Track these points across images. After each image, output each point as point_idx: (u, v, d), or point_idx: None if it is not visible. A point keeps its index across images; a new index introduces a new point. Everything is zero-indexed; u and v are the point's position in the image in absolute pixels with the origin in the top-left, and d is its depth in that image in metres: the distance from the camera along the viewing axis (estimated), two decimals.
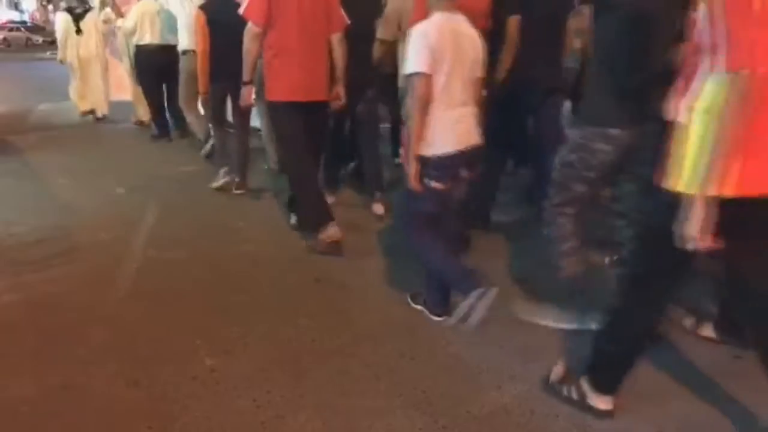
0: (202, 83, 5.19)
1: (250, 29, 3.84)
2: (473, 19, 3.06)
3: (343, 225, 4.14)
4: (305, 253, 4.06)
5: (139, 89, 7.72)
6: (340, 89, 4.15)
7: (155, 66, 7.04)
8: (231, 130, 5.37)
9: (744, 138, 1.83)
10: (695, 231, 1.90)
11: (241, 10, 3.85)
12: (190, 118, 6.66)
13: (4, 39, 31.84)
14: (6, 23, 36.26)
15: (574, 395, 2.49)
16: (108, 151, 7.01)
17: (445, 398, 2.54)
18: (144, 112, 8.03)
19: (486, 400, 2.53)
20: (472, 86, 2.99)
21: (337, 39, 4.02)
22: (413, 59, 2.84)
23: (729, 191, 1.87)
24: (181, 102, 6.59)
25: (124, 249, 4.18)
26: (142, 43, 7.05)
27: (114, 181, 5.70)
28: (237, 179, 5.31)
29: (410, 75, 2.87)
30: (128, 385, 2.65)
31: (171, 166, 6.33)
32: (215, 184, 5.38)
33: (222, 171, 5.41)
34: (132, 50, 7.40)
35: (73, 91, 8.74)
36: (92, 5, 8.68)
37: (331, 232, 3.97)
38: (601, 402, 2.44)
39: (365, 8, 4.50)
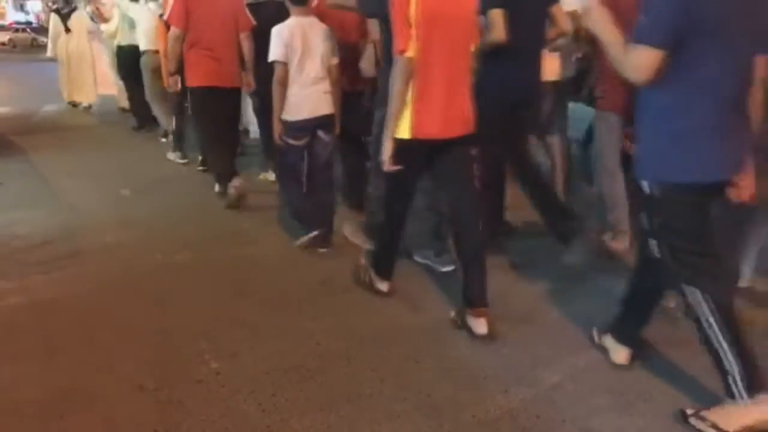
0: (166, 80, 5.64)
1: (173, 32, 4.79)
2: (344, 29, 4.18)
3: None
4: (311, 256, 4.05)
5: (121, 83, 8.48)
6: (250, 78, 4.95)
7: (134, 64, 7.41)
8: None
9: (411, 99, 2.87)
10: (387, 158, 2.94)
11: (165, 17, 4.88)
12: (155, 111, 7.33)
13: (10, 40, 31.94)
14: (12, 24, 36.40)
15: (367, 280, 3.47)
16: (113, 152, 7.03)
17: (450, 402, 2.53)
18: (125, 102, 8.81)
19: (491, 405, 2.52)
20: (326, 70, 3.94)
21: (244, 36, 4.84)
22: (272, 51, 3.83)
23: (405, 135, 2.91)
24: (147, 97, 7.26)
25: (129, 251, 4.19)
26: (122, 44, 7.76)
27: (119, 183, 5.71)
28: (201, 158, 6.08)
29: (271, 62, 3.84)
30: (133, 388, 2.65)
31: (176, 168, 6.35)
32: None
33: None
34: (114, 50, 8.16)
35: (62, 84, 9.71)
36: (78, 5, 9.53)
37: (236, 183, 4.92)
38: (382, 285, 3.44)
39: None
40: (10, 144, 7.69)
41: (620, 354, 2.79)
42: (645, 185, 2.41)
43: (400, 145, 2.93)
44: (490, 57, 3.41)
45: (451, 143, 3.01)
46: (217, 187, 5.19)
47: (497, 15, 3.40)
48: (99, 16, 8.38)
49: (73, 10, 9.39)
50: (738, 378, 2.27)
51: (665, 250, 2.43)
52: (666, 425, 2.40)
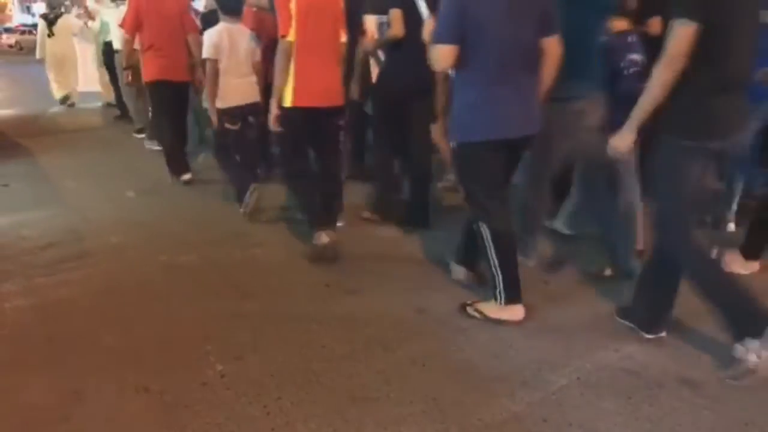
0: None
1: (124, 35, 5.74)
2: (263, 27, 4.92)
3: (352, 230, 4.16)
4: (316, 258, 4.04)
5: (107, 77, 9.13)
6: (199, 73, 5.36)
7: (112, 61, 8.11)
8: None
9: (292, 75, 3.66)
10: (274, 124, 3.80)
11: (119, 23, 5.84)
12: (129, 105, 8.12)
13: (17, 42, 32.02)
14: (18, 27, 36.51)
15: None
16: (118, 154, 7.03)
17: (456, 406, 2.52)
18: (110, 97, 9.60)
19: (498, 408, 2.50)
20: (251, 66, 4.72)
21: (191, 37, 5.53)
22: (204, 50, 4.63)
23: (292, 103, 3.71)
24: (123, 94, 8.13)
25: (134, 253, 4.19)
26: (106, 40, 8.27)
27: (124, 185, 5.71)
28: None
29: (204, 59, 4.64)
30: (138, 391, 2.64)
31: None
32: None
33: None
34: (101, 47, 8.71)
35: (51, 83, 10.45)
36: (63, 11, 10.40)
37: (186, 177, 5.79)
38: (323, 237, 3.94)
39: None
40: (16, 146, 7.72)
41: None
42: (452, 144, 3.12)
43: (285, 112, 3.78)
44: (392, 50, 4.26)
45: (323, 112, 3.83)
46: (171, 179, 5.89)
47: (396, 14, 4.04)
48: (87, 15, 9.18)
49: (59, 15, 10.21)
50: (501, 287, 3.13)
51: (467, 194, 3.18)
52: (674, 429, 2.38)
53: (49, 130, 8.82)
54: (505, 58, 2.90)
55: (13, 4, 50.32)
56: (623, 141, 2.79)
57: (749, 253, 3.70)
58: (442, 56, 2.92)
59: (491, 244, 3.09)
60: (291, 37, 3.63)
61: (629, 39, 2.95)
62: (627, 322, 3.07)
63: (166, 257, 4.09)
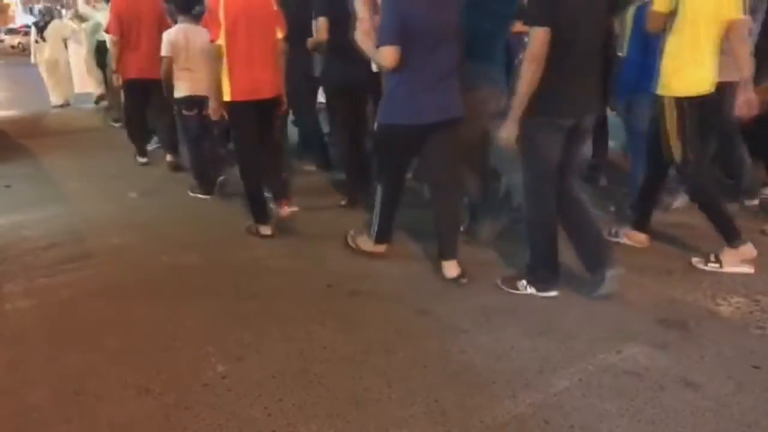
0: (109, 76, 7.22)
1: (110, 37, 6.26)
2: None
3: (354, 227, 4.15)
4: (317, 259, 4.04)
5: (99, 73, 9.42)
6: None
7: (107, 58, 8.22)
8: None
9: (227, 73, 4.06)
10: (214, 112, 4.32)
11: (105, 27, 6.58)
12: (117, 102, 8.28)
13: (19, 43, 32.06)
14: (21, 27, 36.56)
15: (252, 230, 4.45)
16: (120, 154, 7.01)
17: (457, 407, 2.51)
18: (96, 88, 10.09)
19: (499, 410, 2.49)
20: (204, 62, 4.69)
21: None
22: (162, 48, 5.17)
23: (230, 98, 4.12)
24: (112, 92, 8.43)
25: (136, 254, 4.20)
26: (100, 40, 8.50)
27: (126, 186, 5.72)
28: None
29: (162, 57, 5.19)
30: (140, 392, 2.64)
31: (183, 172, 6.34)
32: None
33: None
34: (94, 44, 8.99)
35: (48, 89, 10.80)
36: (54, 17, 11.02)
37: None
38: (264, 229, 4.40)
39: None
40: (18, 146, 7.74)
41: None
42: (376, 125, 3.70)
43: (227, 105, 4.20)
44: (328, 52, 4.83)
45: (260, 104, 4.22)
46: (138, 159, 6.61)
47: (322, 22, 4.67)
48: (78, 18, 9.64)
49: (48, 22, 10.81)
50: (375, 228, 3.87)
51: (378, 162, 3.92)
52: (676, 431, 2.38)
53: (51, 131, 8.84)
54: (429, 49, 3.37)
55: (16, 5, 50.41)
56: (507, 131, 3.19)
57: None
58: (387, 56, 3.33)
59: (380, 200, 3.81)
60: (221, 41, 4.03)
61: (525, 39, 3.20)
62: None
63: (167, 258, 4.09)
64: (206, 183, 5.41)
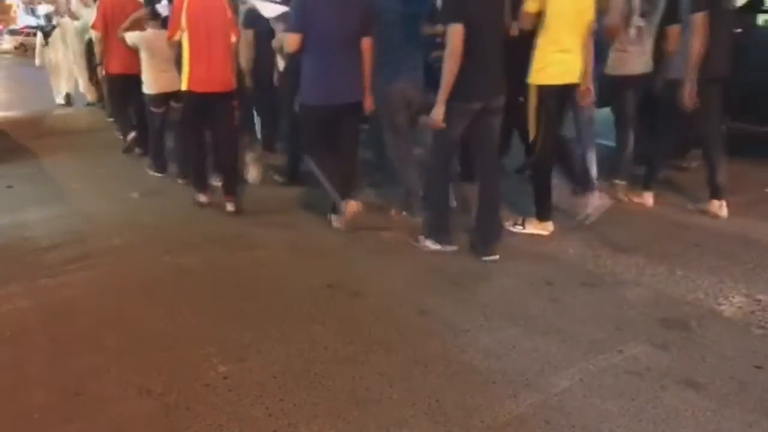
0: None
1: (95, 34, 7.08)
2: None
3: (355, 232, 4.20)
4: (318, 259, 4.05)
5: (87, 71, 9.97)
6: None
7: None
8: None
9: (187, 66, 4.64)
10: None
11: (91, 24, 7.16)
12: (105, 92, 8.63)
13: (21, 44, 32.10)
14: (23, 29, 36.61)
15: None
16: (122, 155, 7.03)
17: (458, 407, 2.51)
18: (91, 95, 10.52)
19: (500, 410, 2.49)
20: (171, 62, 5.17)
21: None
22: (133, 41, 5.78)
23: (187, 88, 4.71)
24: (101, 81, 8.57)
25: (137, 254, 4.20)
26: (88, 38, 9.00)
27: (128, 186, 5.72)
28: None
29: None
30: (141, 392, 2.64)
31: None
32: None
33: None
34: (84, 43, 9.58)
35: (54, 87, 11.36)
36: (56, 23, 11.24)
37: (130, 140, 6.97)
38: (201, 197, 5.13)
39: None
40: (19, 147, 7.75)
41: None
42: (296, 106, 4.52)
43: (185, 95, 4.82)
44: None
45: (215, 96, 4.78)
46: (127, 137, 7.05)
47: (248, 34, 5.37)
48: (71, 16, 9.90)
49: (54, 27, 11.23)
50: (333, 193, 4.38)
51: (302, 141, 4.63)
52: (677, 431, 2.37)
53: (52, 132, 8.85)
54: (332, 44, 4.11)
55: (17, 6, 50.46)
56: (435, 114, 3.76)
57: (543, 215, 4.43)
58: (290, 42, 4.20)
59: (318, 169, 4.46)
60: (177, 37, 4.70)
61: (438, 40, 3.85)
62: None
63: (169, 258, 4.09)
64: (161, 164, 6.17)
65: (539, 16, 3.98)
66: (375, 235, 4.41)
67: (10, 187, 5.86)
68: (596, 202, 4.43)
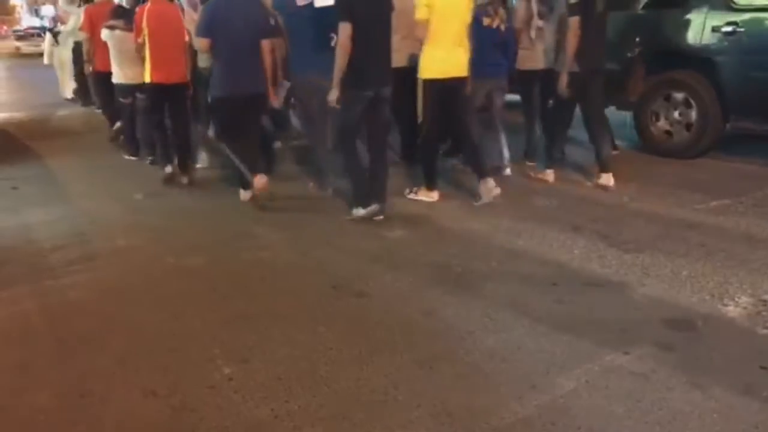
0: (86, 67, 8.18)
1: (82, 35, 7.65)
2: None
3: (359, 231, 4.21)
4: (322, 260, 4.04)
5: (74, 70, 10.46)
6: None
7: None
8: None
9: (150, 61, 5.57)
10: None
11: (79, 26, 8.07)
12: (92, 89, 9.12)
13: (23, 46, 32.15)
14: (27, 30, 36.71)
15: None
16: (125, 157, 7.05)
17: (464, 410, 2.50)
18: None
19: (506, 412, 2.48)
20: (137, 58, 5.92)
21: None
22: (105, 38, 6.51)
23: (150, 80, 5.64)
24: (90, 83, 9.01)
25: (142, 255, 4.21)
26: (77, 40, 9.23)
27: (132, 187, 5.73)
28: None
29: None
30: (146, 394, 2.64)
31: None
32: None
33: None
34: (72, 45, 10.04)
35: (60, 83, 11.78)
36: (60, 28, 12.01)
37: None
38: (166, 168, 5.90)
39: None
40: (24, 148, 7.77)
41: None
42: (209, 97, 5.30)
43: (148, 86, 5.72)
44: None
45: (172, 87, 5.69)
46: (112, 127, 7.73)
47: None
48: (60, 19, 10.78)
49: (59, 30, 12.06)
50: (246, 172, 5.04)
51: (217, 128, 5.49)
52: None
53: (57, 133, 8.87)
54: (236, 46, 4.87)
55: (21, 7, 50.59)
56: (330, 96, 4.51)
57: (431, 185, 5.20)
58: (201, 45, 5.07)
59: (232, 153, 5.19)
60: (140, 40, 5.59)
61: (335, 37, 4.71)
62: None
63: (173, 259, 4.10)
64: (133, 148, 6.89)
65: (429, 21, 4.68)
66: (380, 238, 4.41)
67: (14, 188, 5.88)
68: (490, 186, 4.95)
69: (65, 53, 10.99)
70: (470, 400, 2.56)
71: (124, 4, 7.10)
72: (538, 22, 5.61)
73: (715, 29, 5.80)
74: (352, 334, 3.11)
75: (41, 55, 13.62)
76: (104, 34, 6.47)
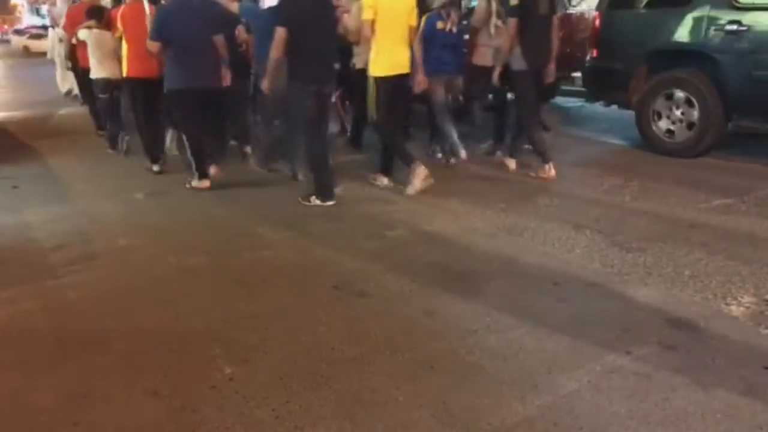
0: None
1: (66, 35, 8.39)
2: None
3: (360, 231, 4.18)
4: (323, 259, 4.04)
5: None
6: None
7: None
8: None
9: (127, 56, 6.02)
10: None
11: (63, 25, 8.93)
12: (77, 84, 9.55)
13: (25, 47, 32.15)
14: (29, 28, 36.69)
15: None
16: (127, 156, 7.05)
17: (466, 410, 2.49)
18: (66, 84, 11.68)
19: (508, 412, 2.48)
20: (113, 56, 6.57)
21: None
22: (82, 37, 6.99)
23: (127, 74, 6.09)
24: (76, 79, 9.27)
25: (142, 255, 4.20)
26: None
27: (133, 186, 5.72)
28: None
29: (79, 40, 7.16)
30: (147, 394, 2.64)
31: (189, 171, 6.34)
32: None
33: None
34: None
35: (58, 78, 12.23)
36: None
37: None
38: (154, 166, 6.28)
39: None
40: (25, 147, 7.76)
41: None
42: (164, 89, 5.54)
43: (126, 80, 6.20)
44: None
45: (148, 81, 5.92)
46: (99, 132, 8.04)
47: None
48: (53, 21, 11.25)
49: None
50: (194, 168, 5.60)
51: (177, 118, 5.91)
52: None
53: (57, 132, 8.85)
54: (188, 45, 5.32)
55: (23, 6, 50.60)
56: (265, 85, 5.13)
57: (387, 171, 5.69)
58: (152, 47, 5.41)
59: (188, 144, 5.60)
60: (117, 34, 6.18)
61: None
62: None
63: (174, 259, 4.09)
64: (114, 142, 7.17)
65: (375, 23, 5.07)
66: (381, 237, 4.40)
67: (15, 187, 5.87)
68: (421, 175, 5.29)
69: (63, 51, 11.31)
70: (472, 400, 2.56)
71: (104, 3, 7.63)
72: (496, 21, 6.10)
73: (717, 28, 5.80)
74: (353, 334, 3.10)
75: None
76: (82, 33, 6.86)
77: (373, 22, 5.06)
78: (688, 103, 6.10)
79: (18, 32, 36.60)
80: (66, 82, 11.79)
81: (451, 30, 5.92)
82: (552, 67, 5.78)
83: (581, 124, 8.47)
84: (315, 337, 3.07)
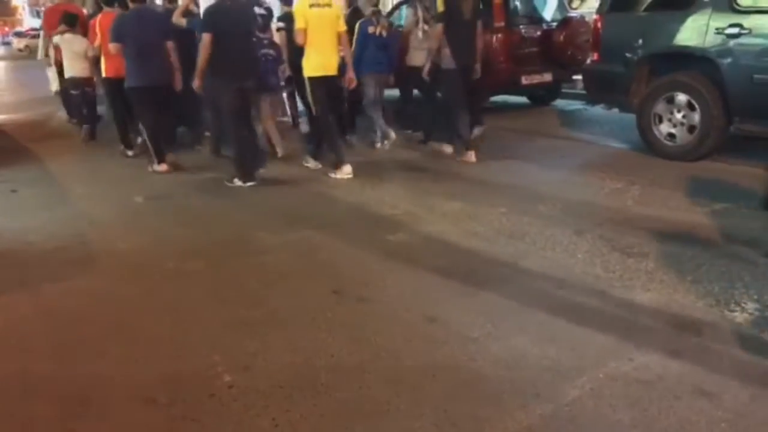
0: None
1: (43, 35, 9.34)
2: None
3: (361, 235, 4.12)
4: (323, 265, 4.01)
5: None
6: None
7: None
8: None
9: (105, 58, 6.80)
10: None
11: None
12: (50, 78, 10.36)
13: (26, 46, 32.20)
14: (29, 31, 36.73)
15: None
16: (126, 159, 7.03)
17: (467, 418, 2.47)
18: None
19: (510, 421, 2.45)
20: (84, 57, 7.65)
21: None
22: (55, 41, 8.08)
23: (106, 75, 6.89)
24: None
25: (141, 259, 4.17)
26: None
27: (132, 190, 5.71)
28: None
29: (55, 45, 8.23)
30: (146, 402, 2.61)
31: (189, 174, 6.35)
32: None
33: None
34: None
35: (51, 76, 11.65)
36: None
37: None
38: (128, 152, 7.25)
39: None
40: (24, 151, 7.74)
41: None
42: (125, 87, 6.27)
43: (105, 80, 6.91)
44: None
45: (122, 80, 6.35)
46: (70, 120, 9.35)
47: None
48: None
49: None
50: (153, 154, 6.43)
51: (137, 111, 6.56)
52: None
53: (57, 135, 8.85)
54: (142, 48, 6.09)
55: (23, 8, 50.61)
56: (195, 83, 5.77)
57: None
58: (112, 48, 6.15)
59: (148, 135, 6.42)
60: (96, 43, 6.98)
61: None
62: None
63: (173, 264, 4.07)
64: (91, 134, 8.11)
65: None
66: (381, 242, 4.38)
67: (14, 191, 5.85)
68: (345, 171, 6.04)
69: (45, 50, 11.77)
70: (474, 409, 2.53)
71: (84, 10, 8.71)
72: (423, 26, 7.15)
73: (718, 31, 5.77)
74: (354, 340, 3.07)
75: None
76: (56, 39, 7.81)
77: (304, 31, 5.74)
78: (690, 106, 6.07)
79: (19, 35, 36.60)
80: (56, 82, 11.80)
81: (381, 33, 6.92)
82: (477, 67, 6.63)
83: (582, 127, 8.44)
84: (315, 343, 3.05)
